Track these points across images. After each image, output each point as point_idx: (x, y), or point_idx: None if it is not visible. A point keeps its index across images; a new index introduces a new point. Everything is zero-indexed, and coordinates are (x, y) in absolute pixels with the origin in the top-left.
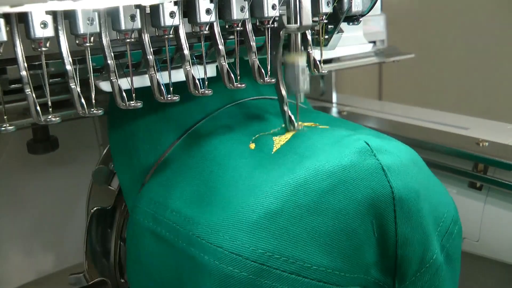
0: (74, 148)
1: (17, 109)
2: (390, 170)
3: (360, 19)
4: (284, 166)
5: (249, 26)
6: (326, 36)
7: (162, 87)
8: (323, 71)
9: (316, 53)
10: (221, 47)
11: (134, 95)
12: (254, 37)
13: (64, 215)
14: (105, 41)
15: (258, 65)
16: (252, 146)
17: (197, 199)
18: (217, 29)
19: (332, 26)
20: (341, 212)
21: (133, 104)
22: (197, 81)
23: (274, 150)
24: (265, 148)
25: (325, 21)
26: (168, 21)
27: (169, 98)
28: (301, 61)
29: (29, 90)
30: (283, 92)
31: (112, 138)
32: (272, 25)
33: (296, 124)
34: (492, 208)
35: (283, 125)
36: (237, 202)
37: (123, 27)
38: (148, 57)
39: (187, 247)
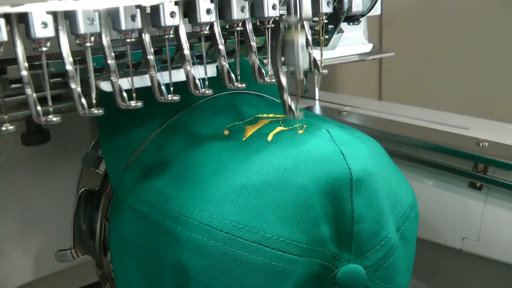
0: (75, 149)
1: (13, 102)
2: (349, 154)
3: (361, 19)
4: (251, 149)
5: (249, 26)
6: (327, 36)
7: (162, 87)
8: (324, 71)
9: (316, 53)
10: (221, 47)
11: (134, 95)
12: (254, 37)
13: (65, 215)
14: (105, 41)
15: (259, 65)
16: (226, 132)
17: (172, 178)
18: (217, 29)
19: (332, 26)
20: (301, 188)
21: (133, 104)
22: (197, 81)
23: (245, 137)
24: (237, 135)
25: (325, 21)
26: (168, 21)
27: (170, 98)
28: (301, 37)
29: (30, 90)
30: (283, 82)
31: (100, 121)
32: (273, 25)
33: (296, 112)
34: (492, 208)
35: (256, 116)
36: (207, 179)
37: (123, 27)
38: (148, 57)
39: (162, 219)
